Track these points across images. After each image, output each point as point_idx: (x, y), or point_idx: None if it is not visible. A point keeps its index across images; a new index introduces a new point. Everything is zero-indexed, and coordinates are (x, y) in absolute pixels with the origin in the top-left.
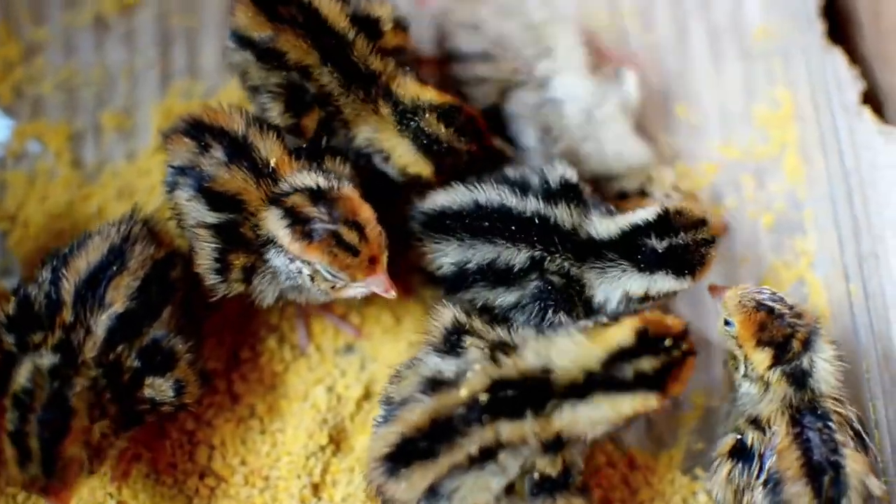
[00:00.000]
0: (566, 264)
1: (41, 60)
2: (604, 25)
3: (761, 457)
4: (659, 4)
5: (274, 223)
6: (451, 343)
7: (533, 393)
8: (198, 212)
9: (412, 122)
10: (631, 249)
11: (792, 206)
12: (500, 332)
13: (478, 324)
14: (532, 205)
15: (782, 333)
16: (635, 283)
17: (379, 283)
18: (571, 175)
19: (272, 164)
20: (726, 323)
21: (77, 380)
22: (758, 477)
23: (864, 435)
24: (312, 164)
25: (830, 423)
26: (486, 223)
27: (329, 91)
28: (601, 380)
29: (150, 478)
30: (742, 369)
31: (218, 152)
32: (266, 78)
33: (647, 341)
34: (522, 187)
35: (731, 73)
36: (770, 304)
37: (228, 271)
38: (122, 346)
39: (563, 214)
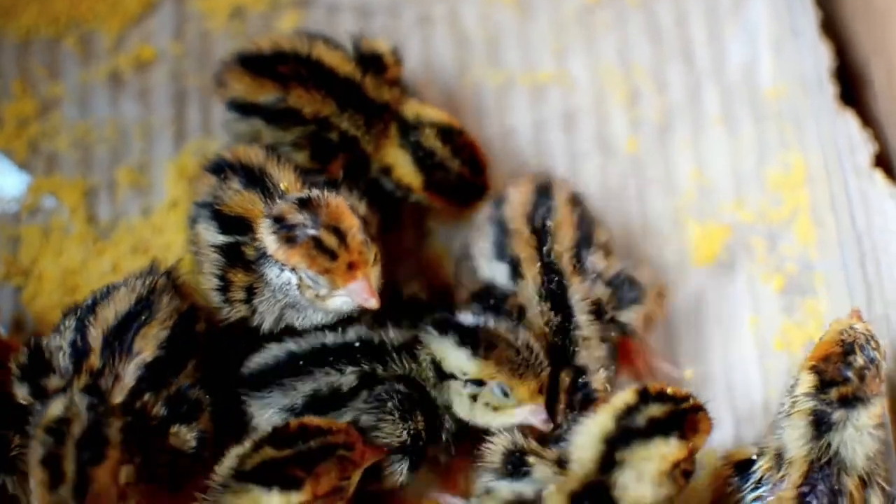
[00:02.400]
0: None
1: (57, 116)
2: (617, 86)
3: (758, 483)
4: (672, 64)
5: (264, 231)
6: (514, 464)
7: (597, 496)
8: (210, 235)
9: (412, 136)
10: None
11: (803, 269)
12: (553, 449)
13: (533, 444)
14: (352, 333)
15: (832, 376)
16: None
17: (359, 291)
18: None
19: (283, 187)
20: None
21: (111, 419)
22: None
23: None
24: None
25: (843, 500)
26: (302, 362)
27: (352, 135)
28: (620, 436)
29: None
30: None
31: (235, 183)
32: (282, 137)
33: (649, 396)
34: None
35: (743, 135)
36: (854, 348)
37: (229, 290)
38: (149, 395)
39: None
